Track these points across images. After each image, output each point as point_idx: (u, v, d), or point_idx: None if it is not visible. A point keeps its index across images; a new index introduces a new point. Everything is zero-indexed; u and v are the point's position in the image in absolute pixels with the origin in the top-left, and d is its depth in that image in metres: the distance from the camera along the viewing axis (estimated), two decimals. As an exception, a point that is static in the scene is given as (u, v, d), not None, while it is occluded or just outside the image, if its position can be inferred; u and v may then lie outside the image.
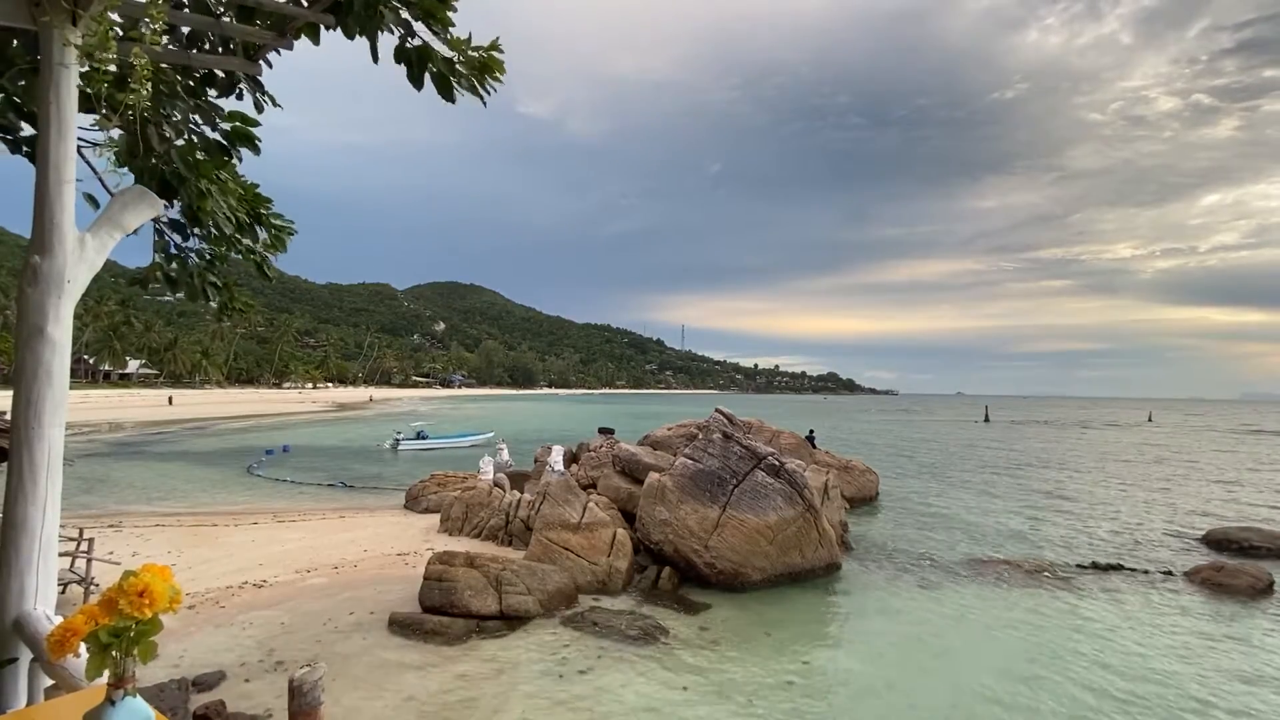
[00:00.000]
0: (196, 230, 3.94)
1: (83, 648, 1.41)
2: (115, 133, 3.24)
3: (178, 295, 4.05)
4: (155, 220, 3.75)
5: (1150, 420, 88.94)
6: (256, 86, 3.63)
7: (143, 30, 2.46)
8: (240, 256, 4.17)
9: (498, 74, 3.21)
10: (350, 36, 2.98)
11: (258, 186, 4.01)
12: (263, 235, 4.12)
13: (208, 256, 4.13)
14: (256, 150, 3.78)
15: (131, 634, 1.32)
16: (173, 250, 4.02)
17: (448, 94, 3.17)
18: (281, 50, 3.28)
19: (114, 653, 1.32)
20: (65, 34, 2.50)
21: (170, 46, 3.26)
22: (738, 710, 7.06)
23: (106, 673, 1.39)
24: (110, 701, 1.34)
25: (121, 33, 2.88)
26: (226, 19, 3.16)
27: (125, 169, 3.32)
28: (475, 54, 3.14)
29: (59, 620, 1.48)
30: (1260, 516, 19.37)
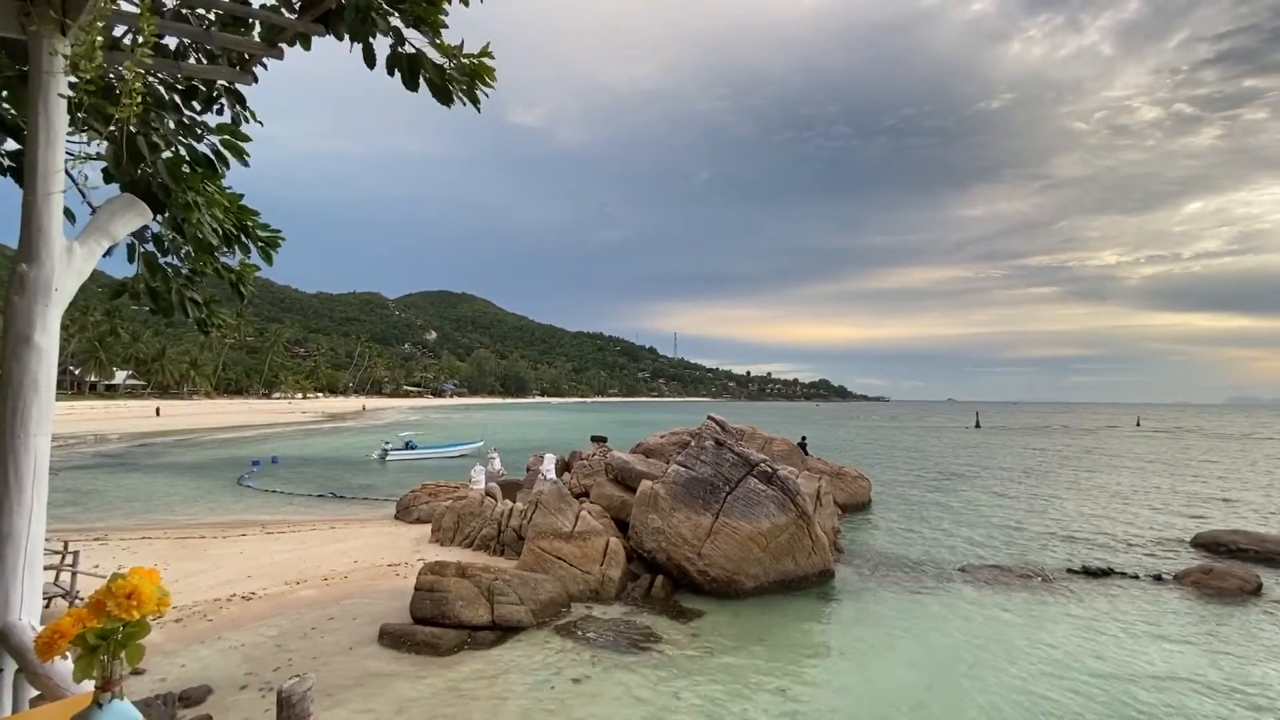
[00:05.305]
0: (180, 243, 3.90)
1: (70, 658, 1.41)
2: (101, 145, 3.23)
3: (160, 307, 3.99)
4: (138, 233, 3.72)
5: (1138, 425, 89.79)
6: (238, 101, 3.63)
7: (132, 41, 2.48)
8: (218, 274, 4.11)
9: (488, 80, 3.23)
10: (340, 39, 2.99)
11: (243, 198, 3.97)
12: (252, 248, 4.07)
13: (185, 272, 4.08)
14: (245, 162, 3.78)
15: (119, 636, 1.31)
16: (156, 264, 3.96)
17: (445, 99, 3.19)
18: (271, 59, 3.30)
19: (102, 655, 1.32)
20: (54, 44, 2.51)
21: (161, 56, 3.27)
22: (731, 719, 7.04)
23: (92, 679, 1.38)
24: (98, 704, 1.33)
25: (112, 42, 2.90)
26: (217, 29, 3.18)
27: (111, 181, 3.31)
28: (466, 60, 3.17)
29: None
30: (1248, 519, 19.58)
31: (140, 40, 2.44)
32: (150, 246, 3.86)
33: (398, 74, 3.15)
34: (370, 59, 3.05)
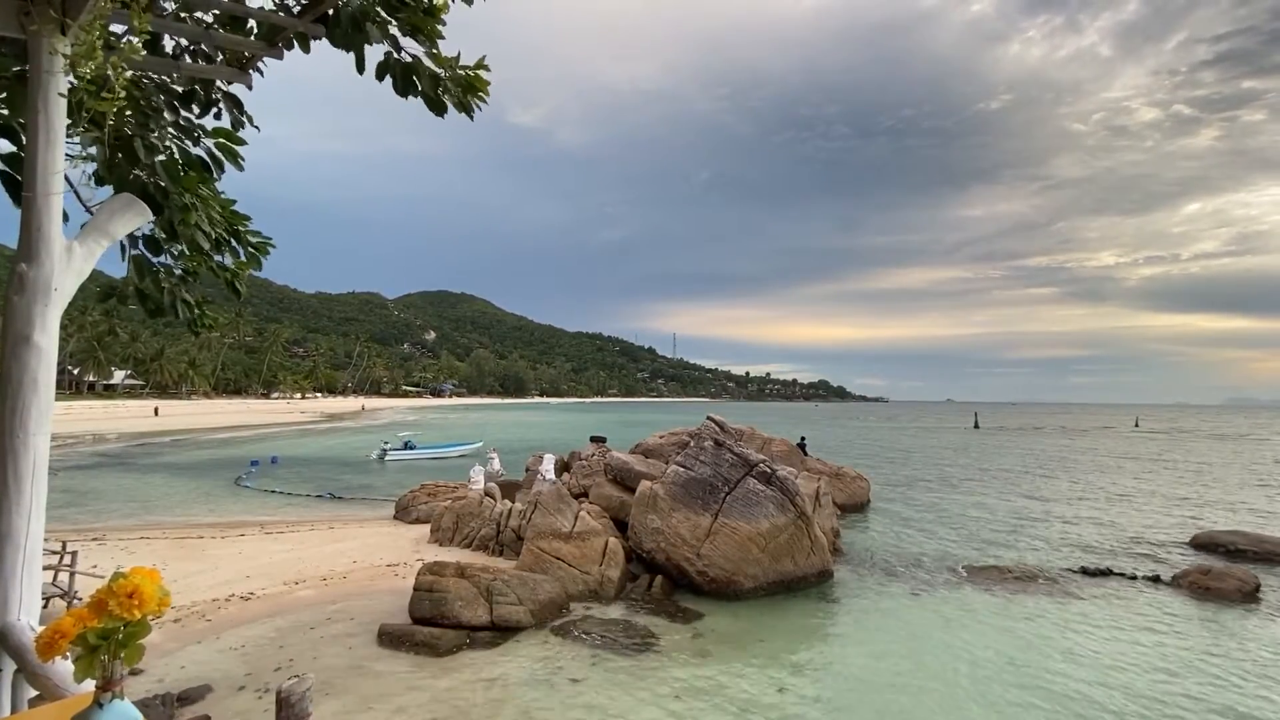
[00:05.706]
0: (173, 245, 3.89)
1: (69, 658, 1.40)
2: (95, 147, 3.22)
3: (148, 309, 3.97)
4: (130, 235, 3.71)
5: (1137, 426, 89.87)
6: (236, 105, 3.63)
7: (126, 40, 2.47)
8: (213, 273, 4.10)
9: (482, 93, 3.23)
10: (335, 45, 2.99)
11: (235, 203, 3.97)
12: (241, 253, 4.06)
13: (178, 272, 4.07)
14: (240, 166, 3.77)
15: (120, 636, 1.31)
16: (146, 265, 3.94)
17: (438, 109, 3.18)
18: (270, 59, 3.29)
19: (102, 655, 1.32)
20: (54, 43, 2.51)
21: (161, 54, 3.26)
22: (730, 719, 7.04)
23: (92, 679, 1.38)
24: (98, 704, 1.33)
25: (109, 41, 2.89)
26: (216, 30, 3.18)
27: (105, 185, 3.30)
28: (461, 72, 3.17)
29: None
30: (1246, 520, 19.61)
31: (134, 39, 2.44)
32: (142, 247, 3.85)
33: (389, 80, 3.14)
34: (360, 66, 3.03)
